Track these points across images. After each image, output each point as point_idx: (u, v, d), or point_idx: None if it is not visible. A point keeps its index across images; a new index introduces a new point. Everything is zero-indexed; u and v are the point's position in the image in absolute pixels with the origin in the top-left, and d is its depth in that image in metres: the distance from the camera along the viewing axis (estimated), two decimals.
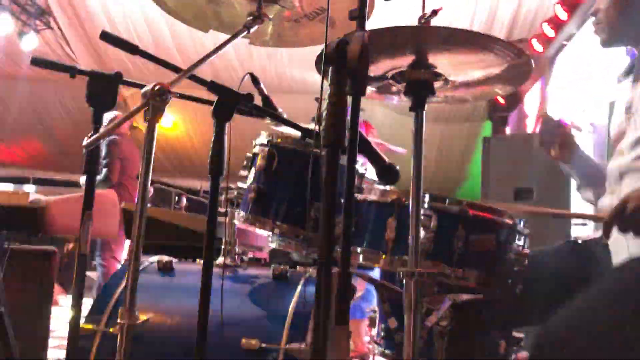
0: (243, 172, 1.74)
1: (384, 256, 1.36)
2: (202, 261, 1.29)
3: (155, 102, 1.18)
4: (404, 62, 1.20)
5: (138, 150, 5.62)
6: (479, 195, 3.94)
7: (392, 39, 1.13)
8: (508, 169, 3.17)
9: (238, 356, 1.46)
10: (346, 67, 0.90)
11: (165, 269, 1.73)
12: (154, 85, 1.18)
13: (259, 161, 1.58)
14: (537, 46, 6.28)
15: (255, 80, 1.61)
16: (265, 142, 1.61)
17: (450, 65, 1.23)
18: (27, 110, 10.67)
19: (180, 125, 10.30)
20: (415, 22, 1.25)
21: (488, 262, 1.33)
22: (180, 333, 1.56)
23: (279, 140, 1.58)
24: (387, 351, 1.69)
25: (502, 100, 7.26)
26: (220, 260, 1.76)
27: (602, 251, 1.54)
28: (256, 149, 1.65)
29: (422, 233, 1.29)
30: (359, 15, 0.96)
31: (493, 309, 1.50)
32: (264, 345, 1.47)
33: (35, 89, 9.93)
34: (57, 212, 1.58)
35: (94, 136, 1.11)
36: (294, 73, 8.68)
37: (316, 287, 0.93)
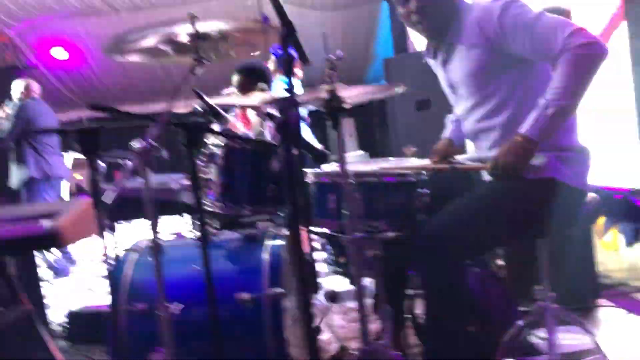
0: (201, 163, 2.15)
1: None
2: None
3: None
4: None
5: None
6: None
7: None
8: (409, 85, 3.58)
9: (235, 309, 1.95)
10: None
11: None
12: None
13: (219, 161, 2.01)
14: None
15: (199, 95, 1.99)
16: (222, 144, 2.03)
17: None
18: None
19: None
20: None
21: (402, 212, 1.88)
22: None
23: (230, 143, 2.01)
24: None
25: None
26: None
27: (476, 173, 2.14)
28: (212, 148, 2.07)
29: (353, 202, 1.81)
30: None
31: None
32: (252, 295, 1.97)
33: None
34: (68, 228, 1.88)
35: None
36: None
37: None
